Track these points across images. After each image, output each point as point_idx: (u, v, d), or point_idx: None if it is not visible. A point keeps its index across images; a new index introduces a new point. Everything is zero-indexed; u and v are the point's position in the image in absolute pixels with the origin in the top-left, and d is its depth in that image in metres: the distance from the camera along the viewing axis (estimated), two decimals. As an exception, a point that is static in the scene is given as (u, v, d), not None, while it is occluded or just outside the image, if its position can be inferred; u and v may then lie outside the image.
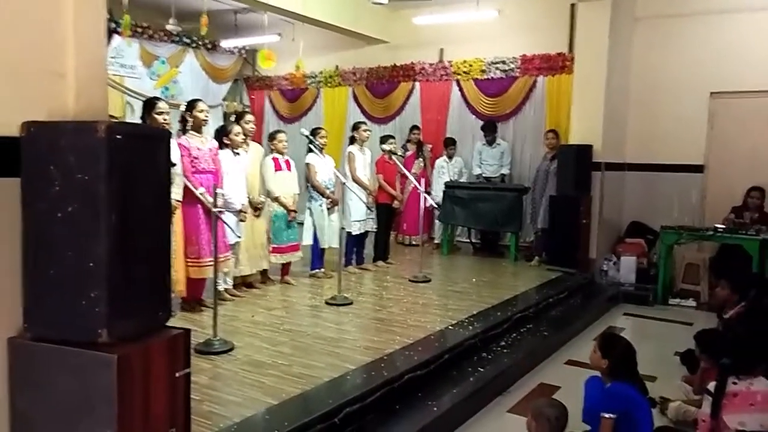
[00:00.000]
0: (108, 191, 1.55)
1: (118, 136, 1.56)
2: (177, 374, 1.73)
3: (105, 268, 1.55)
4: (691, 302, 6.58)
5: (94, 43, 1.88)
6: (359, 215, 6.28)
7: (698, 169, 7.26)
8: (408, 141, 8.46)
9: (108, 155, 1.54)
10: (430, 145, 8.57)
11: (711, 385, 3.07)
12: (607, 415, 2.97)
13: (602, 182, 7.09)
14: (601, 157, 7.03)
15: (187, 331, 1.79)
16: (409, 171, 8.20)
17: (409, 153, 8.36)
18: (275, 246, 5.64)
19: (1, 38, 1.67)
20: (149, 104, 4.44)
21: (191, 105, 4.81)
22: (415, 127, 8.45)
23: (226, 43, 10.13)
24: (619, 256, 7.10)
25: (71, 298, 1.57)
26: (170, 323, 3.99)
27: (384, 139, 6.85)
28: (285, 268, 5.82)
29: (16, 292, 1.64)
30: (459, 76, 8.71)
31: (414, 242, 8.14)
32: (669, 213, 7.09)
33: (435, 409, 3.40)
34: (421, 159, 8.28)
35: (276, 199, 5.62)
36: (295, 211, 5.73)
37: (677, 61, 7.23)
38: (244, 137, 5.24)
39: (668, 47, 7.30)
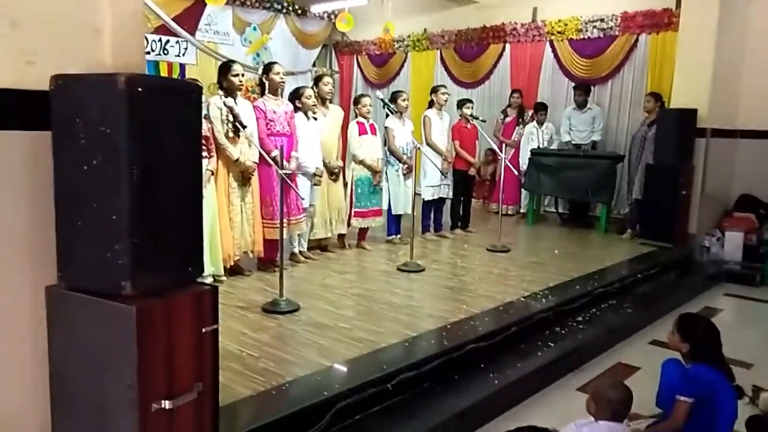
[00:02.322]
0: (129, 144, 1.54)
1: (139, 89, 1.54)
2: (204, 330, 1.73)
3: (127, 221, 1.56)
4: (806, 285, 5.93)
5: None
6: (433, 181, 6.14)
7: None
8: (508, 106, 8.15)
9: (129, 108, 1.53)
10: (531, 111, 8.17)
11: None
12: (683, 399, 2.72)
13: (707, 150, 6.46)
14: (707, 122, 6.39)
15: (215, 288, 1.78)
16: (509, 138, 7.96)
17: (509, 119, 8.07)
18: (357, 210, 5.65)
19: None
20: (225, 67, 4.51)
21: (267, 68, 4.86)
22: (515, 91, 8.11)
23: (315, 8, 10.16)
24: (725, 232, 6.51)
25: (99, 250, 1.60)
26: (245, 283, 4.14)
27: (461, 103, 6.62)
28: (362, 233, 5.83)
29: (52, 242, 1.69)
30: (553, 37, 8.23)
31: (510, 212, 7.91)
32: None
33: (496, 381, 3.28)
34: (521, 125, 7.95)
35: (361, 162, 5.61)
36: (380, 174, 5.71)
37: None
38: (318, 100, 5.23)
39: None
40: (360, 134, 5.63)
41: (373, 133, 5.76)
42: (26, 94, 1.68)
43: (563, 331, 4.10)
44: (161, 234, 1.64)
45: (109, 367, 1.61)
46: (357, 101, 5.83)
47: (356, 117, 5.76)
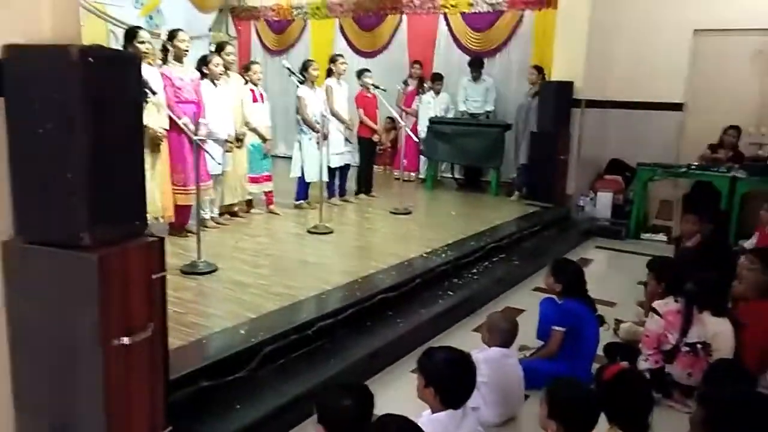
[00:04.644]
0: (81, 110, 1.70)
1: (90, 59, 1.70)
2: (153, 276, 1.94)
3: (83, 178, 1.72)
4: (662, 237, 6.84)
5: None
6: (338, 148, 6.39)
7: (678, 107, 7.37)
8: (409, 76, 8.46)
9: (81, 77, 1.68)
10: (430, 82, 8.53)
11: (656, 303, 3.33)
12: (556, 328, 3.26)
13: (581, 119, 7.20)
14: (583, 94, 7.11)
15: (161, 239, 1.99)
16: (409, 107, 8.30)
17: (410, 88, 8.38)
18: (251, 176, 5.78)
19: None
20: (130, 33, 4.50)
21: (172, 35, 4.87)
22: (416, 62, 8.44)
23: (211, -28, 9.93)
24: (597, 192, 7.31)
25: (55, 206, 1.75)
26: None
27: (360, 73, 6.89)
28: (268, 197, 6.00)
29: (7, 199, 1.82)
30: (447, 9, 8.65)
31: (411, 178, 8.31)
32: (648, 151, 7.24)
33: (402, 326, 3.68)
34: (421, 95, 8.30)
35: (254, 130, 5.73)
36: (270, 141, 5.85)
37: (665, -1, 7.21)
38: (224, 69, 5.30)
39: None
40: (253, 102, 5.72)
41: (263, 100, 5.87)
42: (-27, 62, 1.77)
43: (460, 282, 4.58)
44: (111, 190, 1.82)
45: (72, 311, 1.78)
46: (247, 68, 5.87)
47: (246, 83, 5.80)
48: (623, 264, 6.07)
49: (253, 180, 5.81)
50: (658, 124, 7.38)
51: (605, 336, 3.66)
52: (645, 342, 3.30)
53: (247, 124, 5.70)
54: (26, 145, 1.76)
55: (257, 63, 5.98)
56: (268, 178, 5.96)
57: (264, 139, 5.80)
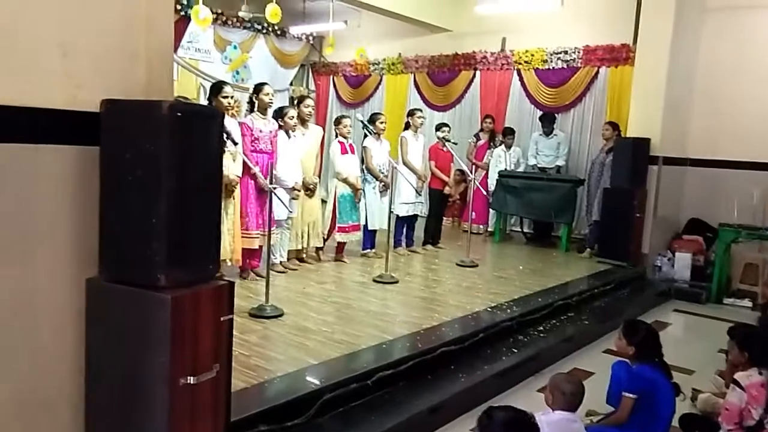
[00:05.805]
0: (168, 160, 1.84)
1: (178, 114, 1.85)
2: (222, 318, 2.02)
3: (164, 224, 1.85)
4: (747, 302, 6.43)
5: (163, 27, 2.18)
6: (408, 198, 6.49)
7: (764, 167, 7.02)
8: (481, 130, 8.56)
9: (170, 130, 1.83)
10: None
11: (738, 375, 3.13)
12: (628, 394, 3.10)
13: (659, 176, 6.99)
14: (660, 150, 6.93)
15: (232, 283, 2.08)
16: (480, 161, 8.35)
17: (481, 142, 8.46)
18: (341, 225, 5.95)
19: (87, 28, 1.99)
20: (216, 88, 4.81)
21: (258, 88, 5.17)
22: (488, 116, 8.53)
23: (294, 30, 10.53)
24: (675, 252, 7.01)
25: (137, 248, 1.88)
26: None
27: (438, 127, 7.05)
28: (340, 246, 6.12)
29: (94, 240, 1.97)
30: (520, 66, 8.74)
31: (480, 231, 8.28)
32: (731, 211, 6.91)
33: (464, 381, 3.61)
34: (492, 148, 8.34)
35: (345, 180, 5.94)
36: (360, 191, 6.03)
37: (746, 54, 7.00)
38: (299, 121, 5.53)
39: (738, 39, 7.07)
40: (342, 153, 5.97)
41: (353, 152, 6.10)
42: (76, 114, 1.96)
43: (525, 339, 4.46)
44: (189, 236, 1.94)
45: (144, 348, 1.88)
46: (338, 122, 6.16)
47: (336, 137, 6.09)
48: (703, 330, 5.73)
49: (342, 229, 5.97)
50: (743, 183, 7.03)
51: (681, 406, 3.44)
52: (725, 416, 3.08)
53: (337, 174, 5.90)
54: (116, 191, 1.91)
55: (348, 117, 6.26)
56: (356, 228, 6.11)
57: (355, 189, 5.97)
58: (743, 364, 3.27)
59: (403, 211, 6.49)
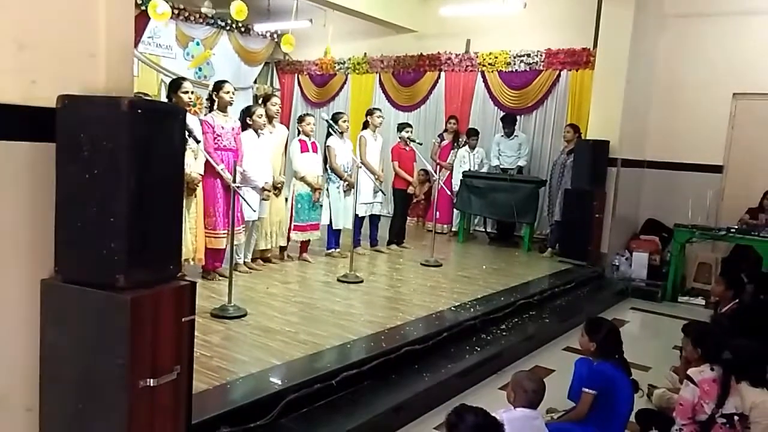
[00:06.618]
0: (128, 158, 1.80)
1: (138, 111, 1.81)
2: (183, 319, 1.99)
3: (123, 223, 1.81)
4: (700, 300, 6.64)
5: (123, 22, 2.13)
6: (366, 198, 6.44)
7: (717, 169, 7.28)
8: (445, 130, 8.61)
9: (129, 127, 1.79)
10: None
11: (691, 371, 3.22)
12: (587, 390, 3.16)
13: (617, 178, 7.17)
14: (618, 153, 7.11)
15: (194, 283, 2.05)
16: (444, 161, 8.39)
17: (445, 142, 8.50)
18: (297, 224, 5.90)
19: (44, 24, 1.94)
20: (175, 84, 4.72)
21: (218, 86, 5.09)
22: (452, 117, 8.58)
23: (259, 27, 10.42)
24: (632, 252, 7.19)
25: (95, 247, 1.83)
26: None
27: (401, 127, 7.06)
28: (303, 246, 6.08)
29: (49, 240, 1.91)
30: (484, 68, 8.84)
31: (444, 231, 8.32)
32: (686, 212, 7.12)
33: (428, 380, 3.63)
34: (456, 149, 8.40)
35: (302, 179, 5.88)
36: (320, 191, 5.99)
37: (702, 60, 7.24)
38: (267, 119, 5.49)
39: (694, 46, 7.31)
40: (302, 152, 5.90)
41: (314, 150, 6.05)
42: (31, 110, 1.90)
43: (488, 338, 4.52)
44: (150, 235, 1.90)
45: (101, 349, 1.83)
46: (301, 119, 6.11)
47: (298, 134, 6.03)
48: (659, 327, 5.91)
49: (299, 228, 5.92)
50: (697, 185, 7.25)
51: (638, 402, 3.53)
52: (679, 411, 3.17)
53: (295, 173, 5.85)
54: (73, 189, 1.86)
55: (311, 115, 6.18)
56: (315, 227, 6.06)
57: (313, 189, 5.93)
58: (696, 360, 3.38)
59: (361, 210, 6.44)
